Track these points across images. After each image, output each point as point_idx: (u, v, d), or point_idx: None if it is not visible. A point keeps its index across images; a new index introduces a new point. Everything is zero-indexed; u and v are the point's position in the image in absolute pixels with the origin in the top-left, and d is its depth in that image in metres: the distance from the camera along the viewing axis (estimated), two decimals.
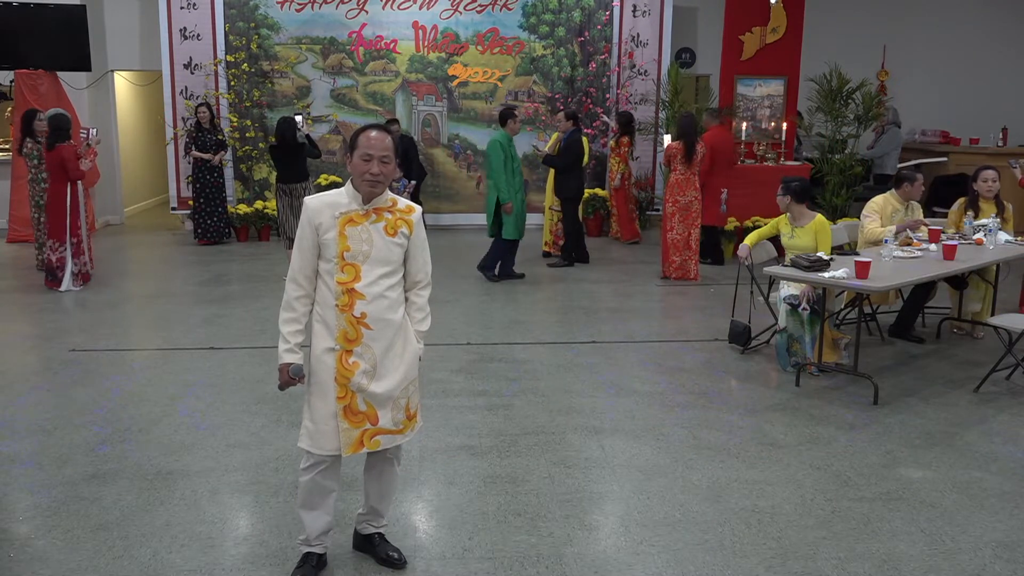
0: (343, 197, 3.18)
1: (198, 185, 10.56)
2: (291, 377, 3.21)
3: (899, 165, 11.33)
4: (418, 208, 3.31)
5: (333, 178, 11.36)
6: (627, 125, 10.45)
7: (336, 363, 3.15)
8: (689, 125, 8.46)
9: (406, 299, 3.34)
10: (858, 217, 9.41)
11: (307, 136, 10.16)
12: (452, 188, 11.61)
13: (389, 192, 3.25)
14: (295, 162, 9.66)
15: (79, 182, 8.02)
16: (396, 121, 11.02)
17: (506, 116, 8.34)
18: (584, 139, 9.40)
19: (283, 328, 3.21)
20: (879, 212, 6.43)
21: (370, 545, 3.48)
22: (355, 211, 3.16)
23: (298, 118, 9.99)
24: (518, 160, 8.38)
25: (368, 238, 3.15)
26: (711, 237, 9.58)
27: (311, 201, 3.18)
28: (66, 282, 7.99)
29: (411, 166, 10.91)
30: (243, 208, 10.91)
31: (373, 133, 3.14)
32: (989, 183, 6.60)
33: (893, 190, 6.54)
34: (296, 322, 3.19)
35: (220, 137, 10.68)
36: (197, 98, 11.07)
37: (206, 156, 10.42)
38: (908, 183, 6.43)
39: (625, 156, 10.42)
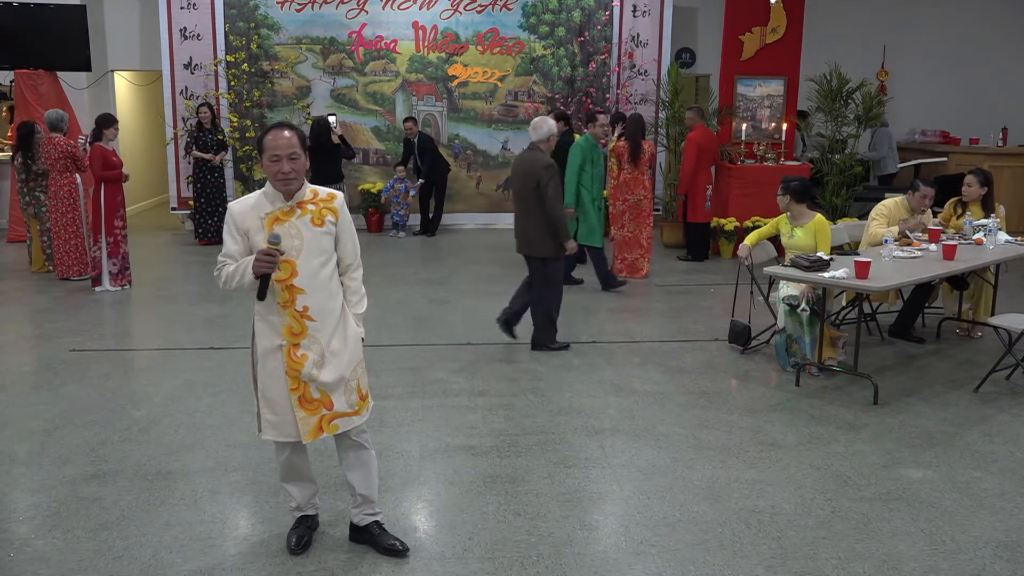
0: (264, 199, 3.24)
1: (199, 185, 10.56)
2: (272, 246, 3.12)
3: (899, 165, 11.36)
4: (340, 195, 3.36)
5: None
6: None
7: (285, 357, 3.24)
8: (635, 125, 8.44)
9: (341, 284, 3.38)
10: (858, 217, 9.48)
11: (341, 136, 10.24)
12: (452, 188, 11.60)
13: (309, 184, 3.30)
14: (330, 163, 9.69)
15: (121, 182, 8.04)
16: (412, 119, 11.05)
17: (589, 118, 8.04)
18: (577, 137, 9.38)
19: (232, 273, 3.21)
20: (887, 217, 6.44)
21: (369, 535, 3.51)
22: (279, 209, 3.22)
23: (331, 119, 10.06)
24: (600, 166, 7.98)
25: (297, 233, 3.21)
26: (696, 234, 9.63)
27: (235, 206, 3.26)
28: (104, 282, 8.03)
29: (429, 165, 10.93)
30: None
31: (277, 133, 3.19)
32: (965, 188, 6.73)
33: (904, 197, 6.55)
34: (233, 265, 3.22)
35: (221, 137, 10.69)
36: (198, 98, 11.08)
37: (207, 156, 10.43)
38: (912, 191, 6.46)
39: (652, 159, 10.39)
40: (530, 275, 6.26)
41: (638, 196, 8.48)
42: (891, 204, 6.52)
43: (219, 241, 10.35)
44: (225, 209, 11.03)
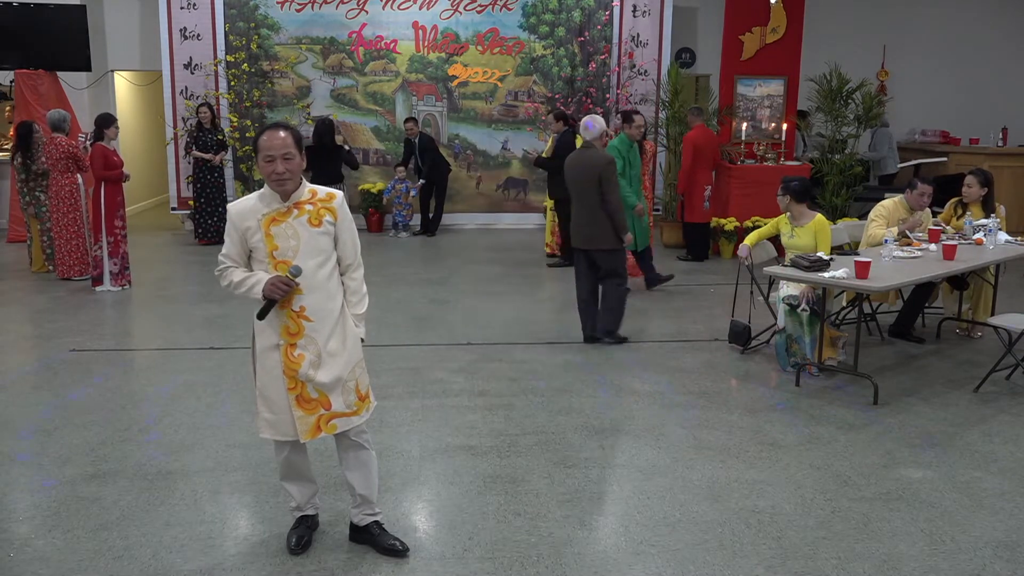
0: (262, 200, 3.25)
1: (199, 185, 10.56)
2: (292, 278, 3.15)
3: (899, 165, 11.37)
4: (339, 194, 3.36)
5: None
6: None
7: (282, 357, 3.24)
8: None
9: (342, 284, 3.38)
10: (858, 217, 9.48)
11: (349, 150, 10.33)
12: (452, 188, 11.60)
13: (307, 184, 3.30)
14: (330, 164, 9.71)
15: (122, 182, 8.02)
16: (413, 119, 11.05)
17: (625, 119, 7.87)
18: (578, 139, 9.35)
19: (239, 282, 3.22)
20: (887, 217, 6.44)
21: (369, 535, 3.52)
22: (276, 210, 3.22)
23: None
24: (638, 167, 7.78)
25: (294, 233, 3.21)
26: (695, 234, 9.62)
27: (234, 207, 3.27)
28: (105, 281, 8.02)
29: (430, 165, 10.94)
30: None
31: (272, 133, 3.19)
32: (965, 188, 6.74)
33: (903, 196, 6.55)
34: (241, 271, 3.24)
35: (221, 137, 10.68)
36: (198, 98, 11.08)
37: (207, 156, 10.42)
38: (910, 190, 6.46)
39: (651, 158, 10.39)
40: (591, 270, 6.40)
41: None
42: (890, 204, 6.52)
43: (219, 241, 10.45)
44: (225, 209, 11.13)
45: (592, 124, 6.33)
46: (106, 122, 7.96)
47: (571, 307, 7.61)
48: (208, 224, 10.58)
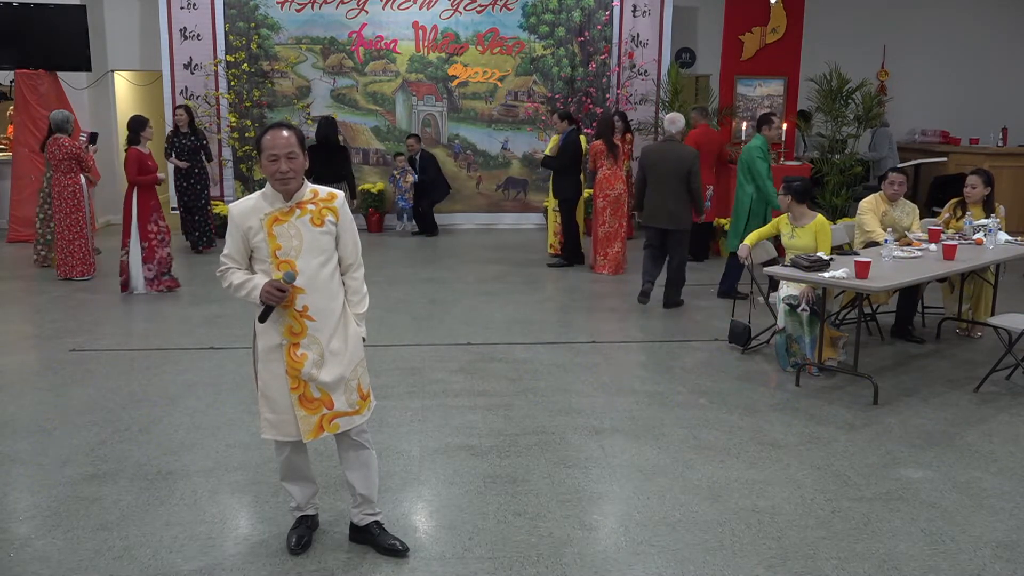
0: (264, 200, 3.25)
1: (178, 191, 10.33)
2: (285, 284, 3.16)
3: (899, 164, 11.36)
4: (340, 194, 3.37)
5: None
6: (627, 123, 10.46)
7: (285, 356, 3.24)
8: (605, 125, 8.79)
9: (343, 283, 3.39)
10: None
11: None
12: (452, 188, 11.59)
13: (309, 184, 3.31)
14: (334, 163, 9.73)
15: (155, 186, 7.89)
16: (415, 136, 11.11)
17: (763, 121, 7.79)
18: (582, 138, 9.36)
19: (238, 285, 3.23)
20: (872, 210, 6.48)
21: (369, 536, 3.52)
22: (279, 209, 3.23)
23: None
24: (769, 169, 7.74)
25: (296, 233, 3.22)
26: (695, 234, 9.60)
27: (236, 208, 3.27)
28: (138, 286, 7.84)
29: (431, 182, 10.98)
30: None
31: (276, 132, 3.20)
32: (969, 189, 6.73)
33: (880, 192, 6.61)
34: (242, 274, 3.25)
35: (200, 142, 10.09)
36: (198, 98, 11.07)
37: (181, 164, 9.96)
38: (884, 181, 6.53)
39: (629, 154, 10.41)
40: (662, 247, 7.52)
41: (617, 191, 8.65)
42: (872, 199, 6.60)
43: (195, 249, 10.24)
44: (202, 215, 10.95)
45: (677, 120, 7.55)
46: (141, 125, 7.79)
47: (571, 307, 7.62)
48: (187, 231, 10.28)
